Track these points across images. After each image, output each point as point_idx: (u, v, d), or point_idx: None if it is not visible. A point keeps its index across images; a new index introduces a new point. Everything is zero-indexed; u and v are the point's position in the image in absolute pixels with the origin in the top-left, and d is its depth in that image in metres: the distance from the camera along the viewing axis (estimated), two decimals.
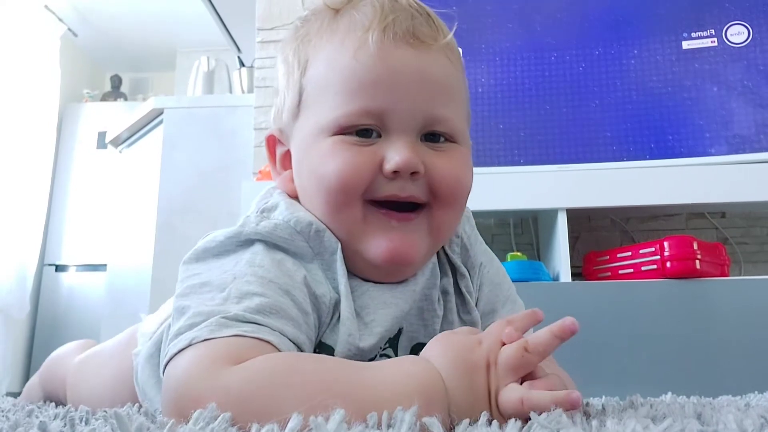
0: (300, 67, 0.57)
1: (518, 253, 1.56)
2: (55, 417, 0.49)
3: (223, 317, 0.45)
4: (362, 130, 0.53)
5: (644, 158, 1.57)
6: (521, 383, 0.41)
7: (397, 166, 0.51)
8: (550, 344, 0.42)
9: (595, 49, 1.68)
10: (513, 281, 0.68)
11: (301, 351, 0.48)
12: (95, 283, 3.55)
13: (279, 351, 0.45)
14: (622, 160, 1.58)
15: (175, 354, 0.45)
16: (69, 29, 3.95)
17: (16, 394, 1.28)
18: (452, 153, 0.55)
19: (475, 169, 0.60)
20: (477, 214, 0.66)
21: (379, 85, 0.52)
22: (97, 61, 4.52)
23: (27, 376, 3.47)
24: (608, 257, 1.54)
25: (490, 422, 0.38)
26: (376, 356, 0.55)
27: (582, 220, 1.85)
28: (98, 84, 4.51)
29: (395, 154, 0.52)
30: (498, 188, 1.50)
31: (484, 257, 0.65)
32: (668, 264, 1.38)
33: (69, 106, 4.06)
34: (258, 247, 0.52)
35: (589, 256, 1.61)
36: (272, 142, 0.63)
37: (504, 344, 0.42)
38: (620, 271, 1.50)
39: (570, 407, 0.38)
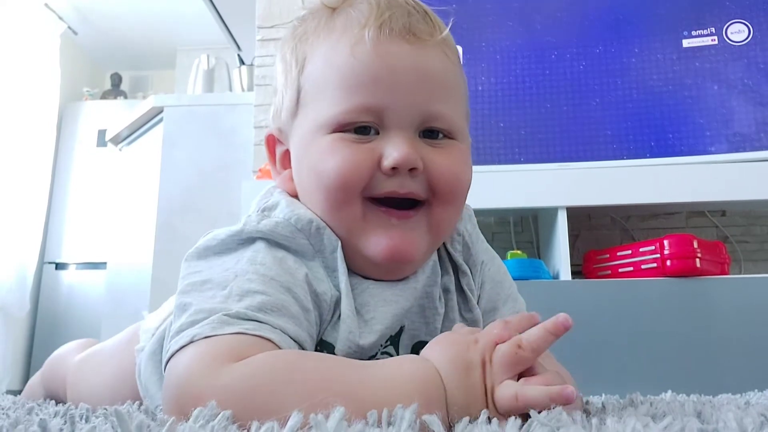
0: (298, 66, 0.58)
1: (518, 252, 1.56)
2: (55, 415, 0.49)
3: (225, 315, 0.45)
4: (360, 128, 0.53)
5: (644, 157, 1.57)
6: (519, 380, 0.42)
7: (396, 162, 0.51)
8: (543, 340, 0.42)
9: (595, 48, 1.68)
10: (513, 279, 0.68)
11: (303, 349, 0.49)
12: (95, 282, 3.56)
13: (280, 349, 0.45)
14: (623, 159, 1.58)
15: (177, 351, 0.45)
16: (69, 27, 3.95)
17: (16, 392, 1.28)
18: (451, 149, 0.55)
19: (476, 168, 0.60)
20: (477, 213, 0.66)
21: (376, 82, 0.52)
22: (97, 60, 4.51)
23: (27, 375, 3.48)
24: (608, 255, 1.54)
25: (489, 420, 0.38)
26: (377, 354, 0.55)
27: (582, 219, 1.85)
28: (98, 82, 4.51)
29: (393, 150, 0.52)
30: (498, 186, 1.50)
31: (486, 255, 0.65)
32: (668, 262, 1.38)
33: (69, 105, 4.06)
34: (259, 245, 0.52)
35: (589, 255, 1.61)
36: (272, 142, 0.63)
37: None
38: (620, 270, 1.50)
39: (564, 402, 0.39)
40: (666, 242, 1.40)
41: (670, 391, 0.84)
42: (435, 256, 0.60)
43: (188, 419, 0.36)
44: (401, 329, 0.57)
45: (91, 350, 0.89)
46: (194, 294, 0.49)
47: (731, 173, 1.48)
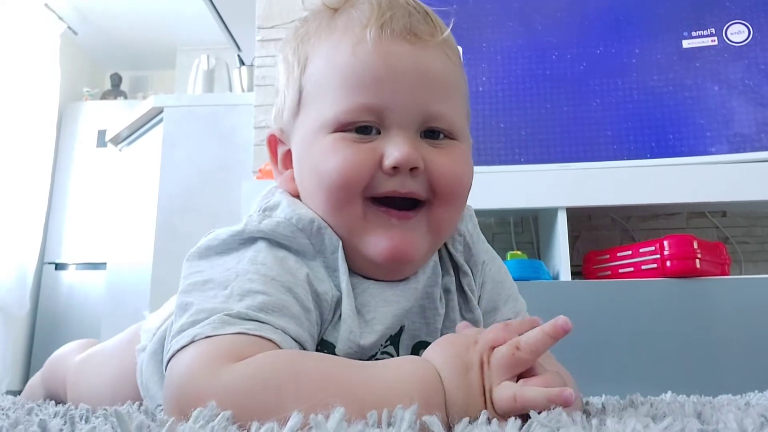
0: (299, 66, 0.58)
1: (518, 252, 1.56)
2: (55, 415, 0.49)
3: (226, 315, 0.45)
4: (362, 127, 0.53)
5: (645, 157, 1.57)
6: (518, 380, 0.42)
7: (397, 162, 0.51)
8: (542, 343, 0.42)
9: (595, 48, 1.68)
10: (513, 280, 0.68)
11: (303, 349, 0.49)
12: (95, 282, 3.56)
13: (281, 349, 0.45)
14: (623, 159, 1.58)
15: (178, 350, 0.45)
16: (69, 27, 3.95)
17: (16, 393, 1.28)
18: (452, 150, 0.55)
19: (476, 168, 0.60)
20: (477, 213, 0.66)
21: (377, 81, 0.53)
22: (97, 60, 4.52)
23: (27, 375, 3.47)
24: (608, 256, 1.54)
25: (489, 421, 0.38)
26: (377, 353, 0.55)
27: (582, 219, 1.85)
28: (98, 82, 4.51)
29: (394, 149, 0.52)
30: (498, 187, 1.50)
31: (487, 255, 0.65)
32: (668, 263, 1.38)
33: (69, 105, 4.06)
34: (260, 245, 0.52)
35: (589, 255, 1.61)
36: (273, 142, 0.63)
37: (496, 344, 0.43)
38: (620, 270, 1.49)
39: (563, 404, 0.39)
40: (666, 243, 1.40)
41: (670, 392, 0.84)
42: (436, 257, 0.60)
43: (188, 419, 0.36)
44: (401, 329, 0.57)
45: (91, 350, 0.89)
46: (195, 294, 0.49)
47: (732, 174, 1.48)
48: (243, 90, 2.57)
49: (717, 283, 1.37)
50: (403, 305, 0.56)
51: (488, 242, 0.68)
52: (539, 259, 1.69)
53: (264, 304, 0.47)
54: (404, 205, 0.54)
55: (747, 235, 1.85)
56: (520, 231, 1.89)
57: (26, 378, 3.41)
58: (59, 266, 3.78)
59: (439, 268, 0.60)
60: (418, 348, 0.58)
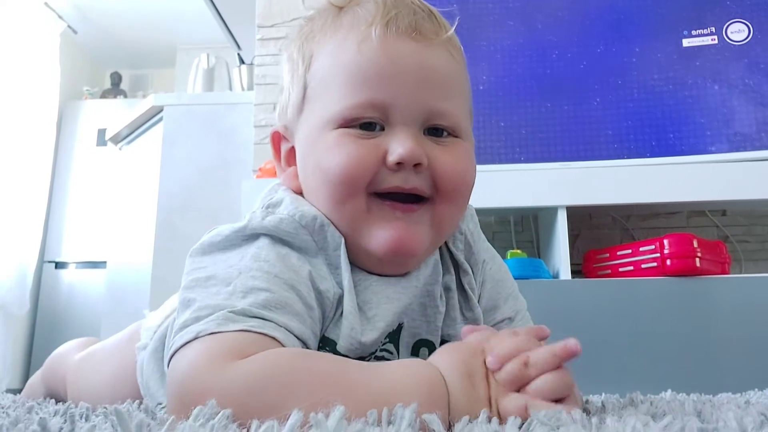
0: (304, 63, 0.58)
1: (518, 251, 1.56)
2: (55, 413, 0.49)
3: (229, 312, 0.45)
4: (366, 124, 0.53)
5: (645, 156, 1.57)
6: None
7: (401, 158, 0.52)
8: (550, 364, 0.42)
9: (596, 47, 1.68)
10: (513, 279, 0.68)
11: (306, 346, 0.49)
12: (95, 280, 3.56)
13: (284, 347, 0.46)
14: (623, 158, 1.58)
15: (181, 346, 0.45)
16: (69, 26, 3.95)
17: (16, 391, 1.28)
18: (455, 147, 0.56)
19: (476, 167, 0.60)
20: (477, 212, 0.67)
21: (382, 78, 0.53)
22: (97, 58, 4.51)
23: (27, 373, 3.48)
24: (608, 255, 1.54)
25: (489, 419, 0.38)
26: (376, 350, 0.55)
27: (582, 218, 1.85)
28: (98, 81, 4.51)
29: (399, 145, 0.52)
30: (499, 186, 1.50)
31: (487, 254, 0.65)
32: (668, 262, 1.38)
33: (69, 103, 4.06)
34: (263, 242, 0.52)
35: (590, 254, 1.61)
36: (277, 139, 0.63)
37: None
38: (620, 269, 1.50)
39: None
40: (666, 242, 1.40)
41: (670, 391, 0.84)
42: (437, 255, 0.60)
43: (188, 418, 0.36)
44: (400, 326, 0.57)
45: (91, 349, 0.89)
46: (198, 290, 0.49)
47: (732, 173, 1.48)
48: (243, 89, 2.57)
49: (717, 281, 1.37)
50: (404, 302, 0.56)
51: (488, 241, 0.68)
52: (539, 257, 1.69)
53: (267, 301, 0.47)
54: (408, 200, 0.54)
55: (747, 234, 1.85)
56: (521, 230, 1.89)
57: (26, 377, 3.41)
58: (59, 265, 3.78)
59: (440, 266, 0.60)
60: (418, 346, 0.58)
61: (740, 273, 1.75)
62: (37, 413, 0.50)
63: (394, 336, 0.56)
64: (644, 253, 1.44)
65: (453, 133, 0.56)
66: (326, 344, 0.53)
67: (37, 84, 3.59)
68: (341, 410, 0.34)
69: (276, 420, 0.35)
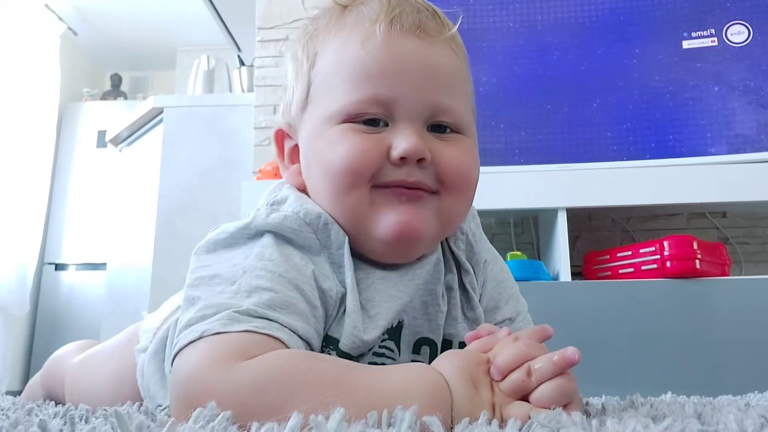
0: (309, 61, 0.59)
1: (518, 253, 1.56)
2: (55, 415, 0.49)
3: (235, 311, 0.45)
4: (370, 120, 0.54)
5: (645, 158, 1.57)
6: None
7: (405, 152, 0.52)
8: (551, 372, 0.43)
9: (596, 49, 1.68)
10: (515, 280, 0.68)
11: (310, 345, 0.49)
12: (95, 282, 3.55)
13: (288, 348, 0.46)
14: (623, 160, 1.58)
15: (185, 345, 0.45)
16: (69, 28, 3.95)
17: (16, 393, 1.28)
18: (459, 143, 0.56)
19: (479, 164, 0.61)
20: (477, 213, 0.67)
21: (386, 74, 0.53)
22: (97, 60, 4.52)
23: (27, 375, 3.47)
24: (608, 257, 1.54)
25: (489, 422, 0.38)
26: (374, 347, 0.55)
27: (582, 220, 1.85)
28: (98, 83, 4.51)
29: (402, 141, 0.52)
30: (499, 187, 1.50)
31: (488, 255, 0.65)
32: (668, 263, 1.38)
33: (69, 105, 4.06)
34: (267, 240, 0.52)
35: (590, 256, 1.61)
36: (280, 137, 0.63)
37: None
38: (620, 271, 1.49)
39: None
40: (666, 243, 1.40)
41: (670, 393, 0.84)
42: (439, 254, 0.61)
43: (188, 420, 0.36)
44: (400, 324, 0.57)
45: (89, 352, 0.89)
46: (203, 288, 0.49)
47: (732, 174, 1.48)
48: (243, 90, 2.57)
49: (717, 283, 1.37)
50: (405, 300, 0.57)
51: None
52: (539, 259, 1.69)
53: (272, 301, 0.47)
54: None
55: (747, 236, 1.85)
56: (521, 231, 1.89)
57: (26, 378, 3.41)
58: (59, 267, 3.78)
59: (443, 265, 0.60)
60: (419, 344, 0.58)
61: (740, 275, 1.75)
62: (37, 415, 0.49)
63: (394, 334, 0.56)
64: (644, 254, 1.44)
65: (456, 130, 0.56)
66: (329, 343, 0.53)
67: (37, 86, 3.59)
68: (341, 412, 0.34)
69: (276, 422, 0.35)
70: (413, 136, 0.52)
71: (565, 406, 0.42)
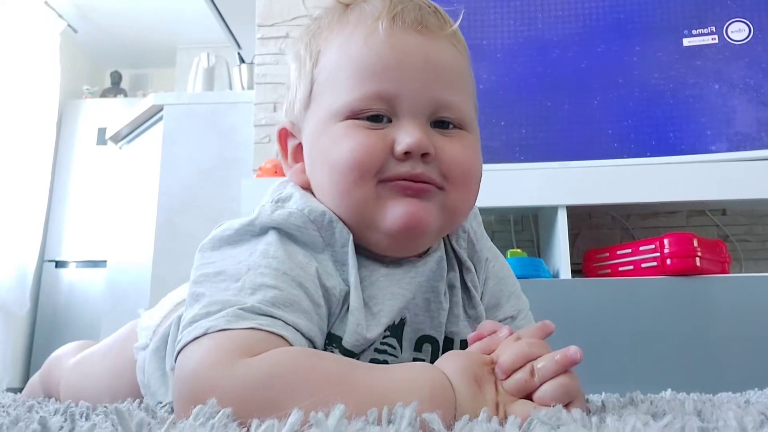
0: (312, 59, 0.59)
1: (518, 250, 1.56)
2: (55, 412, 0.49)
3: (239, 308, 0.46)
4: (373, 116, 0.54)
5: (645, 155, 1.57)
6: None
7: (409, 147, 0.52)
8: (554, 371, 0.44)
9: (596, 47, 1.67)
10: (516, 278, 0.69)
11: (313, 343, 0.49)
12: (95, 280, 3.56)
13: (291, 346, 0.46)
14: (624, 158, 1.58)
15: (190, 342, 0.45)
16: (69, 25, 3.95)
17: (16, 390, 1.28)
18: (462, 139, 0.56)
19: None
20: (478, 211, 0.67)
21: (389, 70, 0.54)
22: (97, 58, 4.51)
23: (27, 373, 3.48)
24: (608, 254, 1.54)
25: (490, 419, 0.38)
26: (375, 343, 0.55)
27: (582, 217, 1.85)
28: (98, 80, 4.51)
29: (406, 135, 0.52)
30: (499, 185, 1.50)
31: (490, 253, 0.66)
32: (668, 261, 1.38)
33: (69, 103, 4.05)
34: (272, 237, 0.52)
35: (590, 253, 1.61)
36: (284, 135, 0.63)
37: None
38: (620, 268, 1.49)
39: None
40: (666, 241, 1.40)
41: (670, 390, 0.84)
42: (441, 252, 0.61)
43: (188, 417, 0.36)
44: (402, 321, 0.57)
45: (85, 353, 0.89)
46: (207, 285, 0.49)
47: (732, 172, 1.48)
48: (243, 88, 2.57)
49: (717, 281, 1.37)
50: (407, 297, 0.57)
51: None
52: (539, 257, 1.69)
53: (276, 298, 0.47)
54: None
55: (747, 234, 1.85)
56: (521, 229, 1.89)
57: (27, 376, 3.41)
58: (59, 264, 3.78)
59: (445, 263, 0.61)
60: (421, 342, 0.59)
61: (740, 272, 1.75)
62: (37, 412, 0.50)
63: (396, 330, 0.57)
64: (644, 252, 1.44)
65: (459, 126, 0.57)
66: (332, 341, 0.53)
67: (37, 83, 3.58)
68: (341, 409, 0.34)
69: (276, 419, 0.35)
70: (417, 131, 0.53)
71: (568, 405, 0.43)
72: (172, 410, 0.54)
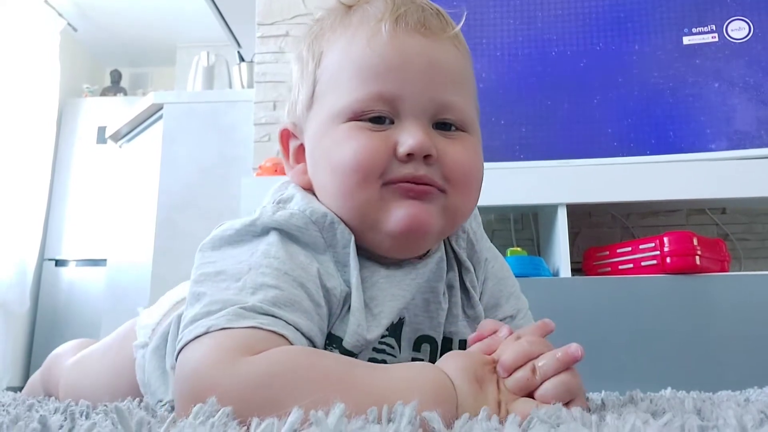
0: (314, 60, 0.59)
1: (518, 249, 1.56)
2: (56, 411, 0.49)
3: (240, 308, 0.46)
4: (375, 118, 0.54)
5: (645, 154, 1.57)
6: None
7: (411, 149, 0.52)
8: (554, 369, 0.44)
9: (596, 45, 1.67)
10: (515, 279, 0.69)
11: (313, 343, 0.49)
12: (95, 278, 3.56)
13: (293, 345, 0.46)
14: (623, 156, 1.58)
15: (191, 340, 0.45)
16: (69, 24, 3.94)
17: (16, 389, 1.28)
18: (464, 141, 0.57)
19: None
20: (477, 210, 0.67)
21: (391, 71, 0.54)
22: (97, 56, 4.51)
23: (27, 371, 3.48)
24: (608, 253, 1.54)
25: (489, 417, 0.38)
26: (374, 341, 0.55)
27: (582, 216, 1.85)
28: (98, 79, 4.50)
29: (409, 137, 0.52)
30: (498, 183, 1.50)
31: (489, 253, 0.66)
32: (668, 259, 1.38)
33: (69, 101, 4.05)
34: (273, 238, 0.52)
35: (589, 252, 1.61)
36: (285, 136, 0.63)
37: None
38: (620, 267, 1.50)
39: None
40: (666, 239, 1.40)
41: (669, 388, 0.85)
42: (441, 252, 0.61)
43: (188, 416, 0.36)
44: (401, 321, 0.57)
45: (84, 352, 0.89)
46: (208, 284, 0.50)
47: (732, 170, 1.48)
48: (243, 87, 2.57)
49: (716, 279, 1.37)
50: (407, 297, 0.57)
51: (488, 239, 0.68)
52: (539, 255, 1.69)
53: (276, 298, 0.47)
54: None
55: (747, 232, 1.85)
56: (520, 228, 1.89)
57: (27, 375, 3.41)
58: (59, 263, 3.78)
59: (444, 263, 0.61)
60: (420, 342, 0.59)
61: (740, 271, 1.75)
62: (37, 411, 0.50)
63: (395, 330, 0.57)
64: (644, 250, 1.44)
65: (461, 128, 0.57)
66: (332, 341, 0.53)
67: (37, 82, 3.58)
68: (341, 408, 0.34)
69: (276, 417, 0.35)
70: (420, 132, 0.53)
71: (569, 402, 0.43)
72: (172, 409, 0.54)
